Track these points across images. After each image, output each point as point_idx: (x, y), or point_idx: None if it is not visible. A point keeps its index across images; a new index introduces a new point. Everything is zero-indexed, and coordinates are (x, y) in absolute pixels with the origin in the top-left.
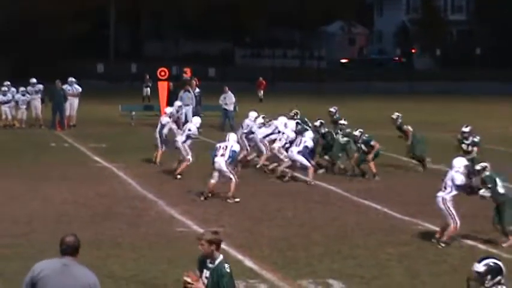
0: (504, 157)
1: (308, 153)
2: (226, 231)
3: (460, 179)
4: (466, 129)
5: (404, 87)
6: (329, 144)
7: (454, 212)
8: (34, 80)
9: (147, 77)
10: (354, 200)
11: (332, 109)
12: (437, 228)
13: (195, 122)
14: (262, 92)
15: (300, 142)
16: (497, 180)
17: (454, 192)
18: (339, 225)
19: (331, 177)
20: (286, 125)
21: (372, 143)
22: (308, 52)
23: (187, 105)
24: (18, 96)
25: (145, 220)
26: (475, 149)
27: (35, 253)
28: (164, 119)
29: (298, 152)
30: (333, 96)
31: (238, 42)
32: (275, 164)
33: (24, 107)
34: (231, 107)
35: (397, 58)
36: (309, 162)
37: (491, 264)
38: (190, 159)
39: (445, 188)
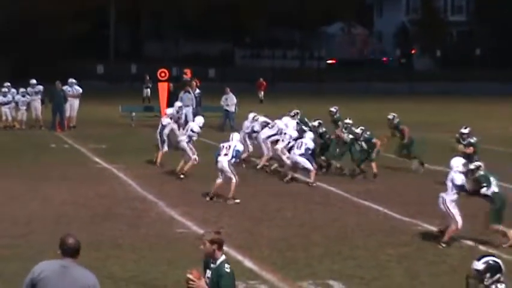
0: (504, 157)
1: (310, 154)
2: (226, 231)
3: (461, 179)
4: (465, 131)
5: (404, 87)
6: (326, 144)
7: (454, 212)
8: (34, 81)
9: (147, 77)
10: (354, 201)
11: (333, 109)
12: (436, 229)
13: (198, 122)
14: (262, 93)
15: (301, 145)
16: (492, 179)
17: (455, 193)
18: (339, 226)
19: (332, 178)
20: (287, 125)
21: (374, 140)
22: (308, 53)
23: (187, 106)
24: (18, 97)
25: (145, 221)
26: (471, 149)
27: (34, 254)
28: (165, 120)
29: (300, 155)
30: (333, 96)
31: (238, 43)
32: (276, 165)
33: (24, 108)
34: (232, 108)
35: (385, 59)
36: (311, 164)
37: (491, 262)
38: (197, 158)
39: (447, 189)
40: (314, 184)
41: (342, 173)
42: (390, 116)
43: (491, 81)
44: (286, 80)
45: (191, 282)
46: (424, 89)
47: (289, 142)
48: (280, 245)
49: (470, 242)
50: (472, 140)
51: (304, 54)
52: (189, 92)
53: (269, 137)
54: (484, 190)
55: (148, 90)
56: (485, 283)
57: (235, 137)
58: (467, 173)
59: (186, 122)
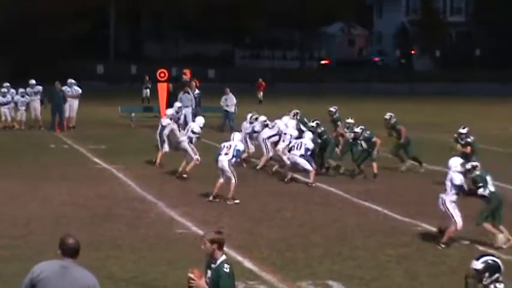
0: (503, 158)
1: (309, 155)
2: (226, 232)
3: (459, 179)
4: (463, 131)
5: (404, 88)
6: (325, 144)
7: (454, 213)
8: (33, 82)
9: (147, 78)
10: (354, 201)
11: (332, 108)
12: (435, 229)
13: (198, 122)
14: (261, 93)
15: (301, 145)
16: (488, 179)
17: (454, 193)
18: (339, 226)
19: (332, 178)
20: (287, 125)
21: (373, 139)
22: (308, 53)
23: (187, 106)
24: (17, 97)
25: (145, 221)
26: (469, 149)
27: (33, 255)
28: (165, 121)
29: (300, 156)
30: (333, 96)
31: (237, 43)
32: (276, 167)
33: (24, 108)
34: (231, 109)
35: (376, 59)
36: (310, 164)
37: (490, 261)
38: (199, 158)
39: (446, 189)
40: (314, 184)
41: (340, 172)
42: (387, 116)
43: (491, 81)
44: (285, 81)
45: (191, 281)
46: (424, 90)
47: (290, 142)
48: (280, 245)
49: (470, 243)
50: (469, 140)
51: (304, 55)
52: (189, 93)
53: (269, 137)
54: (481, 191)
55: (148, 90)
56: (484, 283)
57: (237, 136)
58: (465, 173)
59: (186, 122)
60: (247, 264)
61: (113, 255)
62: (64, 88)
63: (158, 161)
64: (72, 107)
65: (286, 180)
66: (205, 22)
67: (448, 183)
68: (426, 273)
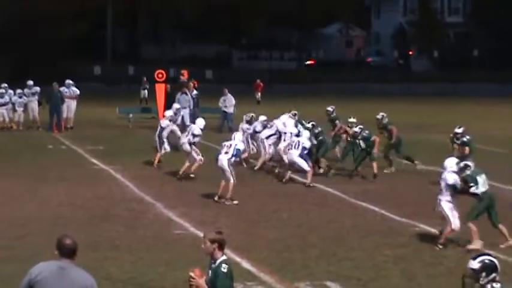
0: (502, 159)
1: (306, 154)
2: (224, 233)
3: (452, 178)
4: (459, 130)
5: (402, 89)
6: (321, 144)
7: (450, 214)
8: (31, 82)
9: (145, 79)
10: (351, 201)
11: (329, 108)
12: (433, 230)
13: (199, 124)
14: (259, 94)
15: (298, 144)
16: (478, 179)
17: (449, 193)
18: (335, 227)
19: (329, 179)
20: (285, 124)
21: (372, 138)
22: (305, 54)
23: (184, 107)
24: (15, 98)
25: (142, 222)
26: (466, 149)
27: (31, 256)
28: (164, 123)
29: (298, 155)
30: (331, 97)
31: (234, 45)
32: (277, 169)
33: (21, 109)
34: (230, 109)
35: (369, 59)
36: (307, 164)
37: (486, 261)
38: (202, 159)
39: (441, 190)
40: (311, 184)
41: (330, 174)
42: (379, 116)
43: (489, 82)
44: (283, 82)
45: (191, 279)
46: (422, 90)
47: (291, 141)
48: (277, 246)
49: (469, 244)
50: (464, 139)
51: (301, 56)
52: (186, 94)
53: (268, 137)
54: (473, 189)
55: (146, 91)
56: (480, 282)
57: (238, 136)
58: (458, 172)
59: (183, 123)
60: (245, 265)
61: (111, 256)
62: (62, 89)
63: (156, 162)
64: (70, 107)
65: (284, 180)
66: (204, 22)
67: (443, 183)
68: (423, 274)
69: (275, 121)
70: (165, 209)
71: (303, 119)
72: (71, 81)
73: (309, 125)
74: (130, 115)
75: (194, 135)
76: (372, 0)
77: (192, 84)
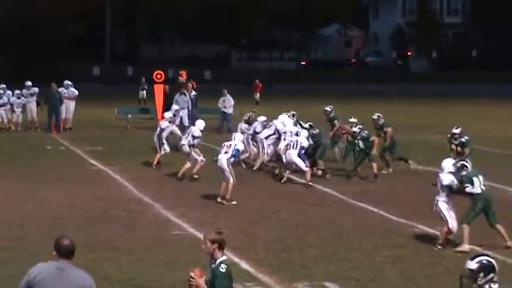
0: (502, 159)
1: (304, 153)
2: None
3: (448, 179)
4: (457, 131)
5: (400, 89)
6: (317, 145)
7: (446, 214)
8: (29, 83)
9: (143, 79)
10: (349, 202)
11: (328, 108)
12: (432, 230)
13: (198, 126)
14: (258, 94)
15: (296, 144)
16: (474, 179)
17: (446, 194)
18: (334, 227)
19: (327, 179)
20: (284, 123)
21: (371, 138)
22: (305, 54)
23: (183, 108)
24: (13, 99)
25: (141, 223)
26: (466, 149)
27: (29, 256)
28: (164, 124)
29: (297, 155)
30: (330, 97)
31: (234, 45)
32: (277, 170)
33: (20, 110)
34: (229, 110)
35: (354, 61)
36: (305, 163)
37: (484, 261)
38: (203, 159)
39: (438, 190)
40: (310, 183)
41: (327, 176)
42: (375, 116)
43: (488, 83)
44: (282, 82)
45: (191, 279)
46: (420, 91)
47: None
48: (276, 246)
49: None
50: (463, 140)
51: (300, 56)
52: (185, 94)
53: (267, 137)
54: (468, 189)
55: (144, 92)
56: (478, 283)
57: (238, 136)
58: (455, 172)
59: (182, 124)
60: (244, 265)
61: (109, 257)
62: (60, 90)
63: (155, 163)
64: (68, 108)
65: (282, 181)
66: (204, 22)
67: (439, 184)
68: (422, 275)
69: (274, 121)
70: (164, 209)
71: (302, 119)
72: (69, 82)
73: (307, 126)
74: (129, 116)
75: (194, 137)
76: (370, 1)
77: (190, 85)
